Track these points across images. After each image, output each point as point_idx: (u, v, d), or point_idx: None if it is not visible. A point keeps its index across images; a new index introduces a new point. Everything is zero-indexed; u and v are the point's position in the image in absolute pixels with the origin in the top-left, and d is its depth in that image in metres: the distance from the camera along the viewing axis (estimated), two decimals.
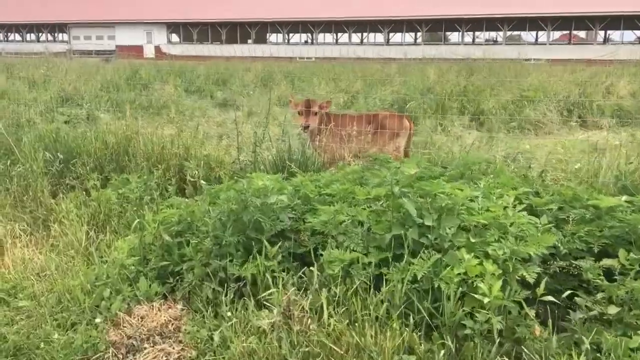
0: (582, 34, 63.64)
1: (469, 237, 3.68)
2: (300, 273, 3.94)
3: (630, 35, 59.85)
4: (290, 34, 64.65)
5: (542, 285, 3.43)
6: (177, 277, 4.23)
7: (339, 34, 64.44)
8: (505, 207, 4.00)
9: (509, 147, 8.29)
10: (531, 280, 3.46)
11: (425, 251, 3.61)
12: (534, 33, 61.17)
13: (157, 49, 61.41)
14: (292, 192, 4.82)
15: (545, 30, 55.49)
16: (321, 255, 4.07)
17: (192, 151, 6.50)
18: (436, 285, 3.41)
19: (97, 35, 64.33)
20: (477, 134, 10.68)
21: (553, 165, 6.55)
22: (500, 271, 3.42)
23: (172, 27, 62.51)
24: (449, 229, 3.66)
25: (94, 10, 64.14)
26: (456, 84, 15.51)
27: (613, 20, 52.23)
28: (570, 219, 4.25)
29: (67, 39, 65.61)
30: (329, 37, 65.95)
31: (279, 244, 4.19)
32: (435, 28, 59.19)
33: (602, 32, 56.04)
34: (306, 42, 65.08)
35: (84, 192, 5.97)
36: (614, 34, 59.75)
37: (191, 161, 6.32)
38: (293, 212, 4.71)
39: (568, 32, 59.68)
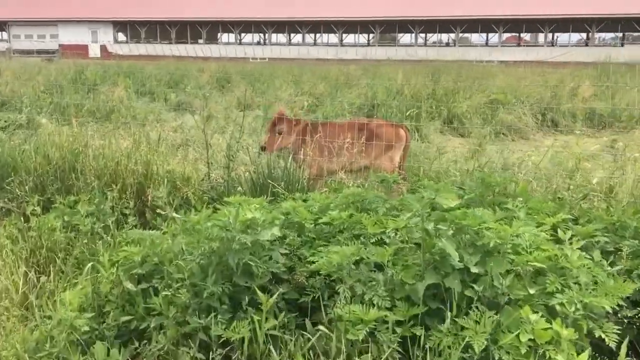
0: (527, 36, 64.57)
1: (525, 286, 2.89)
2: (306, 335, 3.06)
3: (575, 36, 61.12)
4: (242, 34, 63.41)
5: (624, 351, 2.67)
6: (144, 339, 3.29)
7: (292, 35, 63.59)
8: (557, 243, 3.24)
9: (500, 155, 7.60)
10: (613, 345, 2.69)
11: (474, 307, 2.79)
12: (484, 35, 61.72)
13: (103, 48, 59.12)
14: (282, 221, 3.95)
15: (497, 32, 56.06)
16: (327, 304, 3.23)
17: (153, 167, 5.52)
18: (496, 358, 2.60)
19: (39, 34, 61.44)
20: (458, 140, 10.00)
21: (563, 178, 5.88)
22: (577, 335, 2.63)
23: (119, 25, 60.31)
24: (502, 276, 2.86)
25: (35, 8, 61.23)
26: (424, 86, 14.88)
27: (562, 23, 53.16)
28: (625, 254, 3.52)
29: (6, 38, 62.43)
30: (281, 38, 65.03)
31: (274, 292, 3.31)
32: (388, 30, 59.06)
33: (547, 35, 56.94)
34: (258, 42, 63.94)
35: (22, 218, 4.92)
36: (562, 36, 60.99)
37: (152, 179, 5.35)
38: (286, 246, 3.84)
39: (515, 34, 60.55)
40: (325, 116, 13.36)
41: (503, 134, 12.26)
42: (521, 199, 3.97)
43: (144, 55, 53.50)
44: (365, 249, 3.21)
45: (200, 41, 61.10)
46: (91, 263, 3.58)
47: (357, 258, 3.25)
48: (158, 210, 5.39)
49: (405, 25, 56.39)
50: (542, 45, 56.32)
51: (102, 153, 5.64)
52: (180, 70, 23.78)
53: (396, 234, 3.49)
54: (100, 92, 14.50)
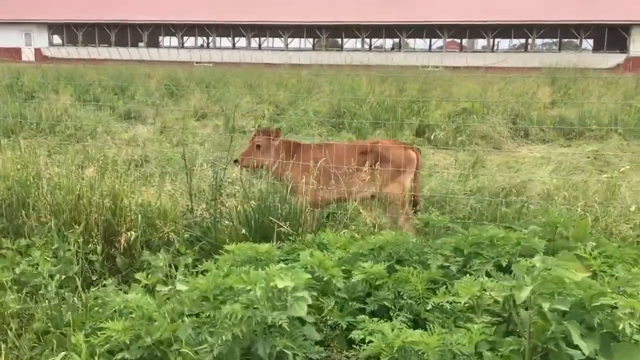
0: (464, 42, 65.40)
1: None
2: None
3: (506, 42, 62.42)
4: (185, 37, 61.68)
5: None
6: None
7: (237, 38, 62.31)
8: None
9: (497, 171, 6.98)
10: None
11: None
12: (427, 40, 62.18)
13: (38, 51, 56.23)
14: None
15: (441, 37, 56.60)
16: None
17: (122, 199, 4.58)
18: None
19: None
20: (439, 154, 9.38)
21: (591, 204, 5.30)
22: None
23: (54, 27, 57.52)
24: None
25: None
26: (389, 95, 14.26)
27: (503, 29, 54.11)
28: None
29: None
30: (225, 42, 63.60)
31: None
32: (335, 34, 58.70)
33: (490, 40, 57.91)
34: (202, 46, 62.36)
35: None
36: (501, 43, 62.13)
37: (123, 216, 4.42)
38: (314, 311, 3.05)
39: (454, 40, 61.26)
40: (290, 127, 12.54)
41: (476, 144, 11.78)
42: (593, 244, 3.29)
43: (82, 59, 51.13)
44: (449, 334, 2.41)
45: (141, 44, 58.98)
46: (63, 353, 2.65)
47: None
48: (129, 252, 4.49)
49: (352, 30, 56.13)
50: (485, 51, 57.18)
51: (59, 184, 4.65)
52: (125, 75, 22.41)
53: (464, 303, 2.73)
54: (41, 101, 13.19)
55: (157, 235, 4.39)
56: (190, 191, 4.62)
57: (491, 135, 11.98)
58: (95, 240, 4.24)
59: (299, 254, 3.76)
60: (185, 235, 4.52)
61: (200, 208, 4.71)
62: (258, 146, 5.36)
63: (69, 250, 4.05)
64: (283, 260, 3.59)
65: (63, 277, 3.87)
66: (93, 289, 3.56)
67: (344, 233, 4.03)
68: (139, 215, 4.42)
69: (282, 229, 4.08)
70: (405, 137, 10.75)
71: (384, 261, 3.33)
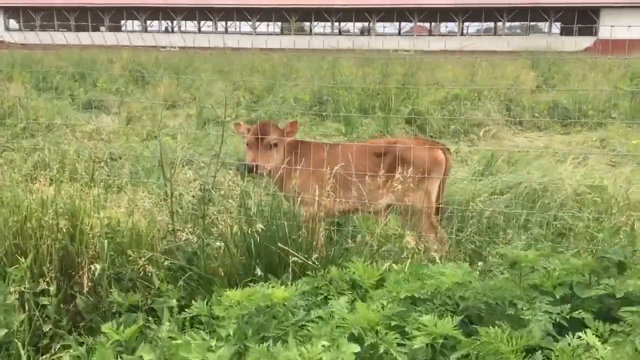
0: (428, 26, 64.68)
1: None
2: None
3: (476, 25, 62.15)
4: (149, 21, 59.67)
5: None
6: None
7: (203, 22, 60.51)
8: None
9: (526, 169, 6.13)
10: None
11: None
12: (396, 24, 61.40)
13: None
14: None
15: (412, 21, 55.89)
16: None
17: (84, 218, 3.57)
18: None
19: None
20: None
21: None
22: None
23: (11, 11, 54.90)
24: None
25: None
26: (374, 79, 13.34)
27: (474, 12, 53.65)
28: None
29: None
30: (191, 25, 61.72)
31: None
32: (304, 18, 57.43)
33: (461, 24, 57.46)
34: (166, 29, 60.43)
35: None
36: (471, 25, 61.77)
37: (85, 242, 3.43)
38: None
39: (420, 25, 60.55)
40: (270, 115, 11.53)
41: (472, 132, 10.97)
42: None
43: (40, 44, 48.80)
44: None
45: (103, 28, 56.78)
46: None
47: None
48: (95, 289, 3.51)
49: (321, 14, 54.94)
50: (455, 35, 56.71)
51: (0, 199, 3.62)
52: (86, 61, 20.99)
53: None
54: None
55: (129, 267, 3.40)
56: (172, 207, 3.63)
57: (486, 123, 11.17)
58: (49, 276, 3.23)
59: (325, 298, 2.85)
60: (166, 262, 3.54)
61: (184, 227, 3.73)
62: (272, 145, 4.35)
63: (11, 293, 3.05)
64: (306, 310, 2.66)
65: (2, 333, 2.88)
66: None
67: (375, 262, 3.10)
68: (106, 241, 3.42)
69: (295, 258, 3.13)
70: (401, 127, 9.85)
71: (450, 312, 2.43)
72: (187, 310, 2.84)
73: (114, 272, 3.45)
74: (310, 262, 3.11)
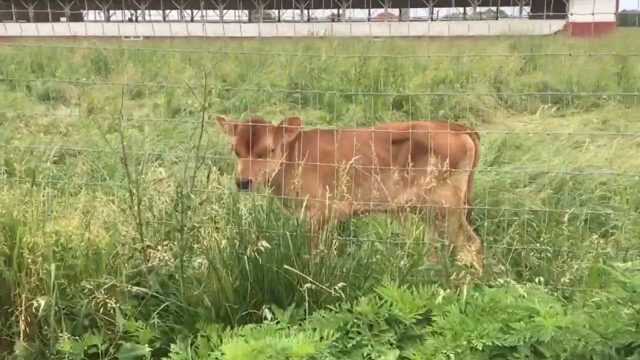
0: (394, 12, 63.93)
1: None
2: None
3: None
4: (111, 11, 57.73)
5: None
6: None
7: (167, 11, 58.77)
8: None
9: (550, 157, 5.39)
10: None
11: None
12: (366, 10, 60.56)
13: None
14: None
15: (382, 7, 55.15)
16: None
17: (25, 235, 2.73)
18: None
19: None
20: None
21: None
22: None
23: None
24: None
25: None
26: (353, 64, 12.52)
27: None
28: None
29: None
30: (155, 14, 59.89)
31: None
32: (272, 5, 56.18)
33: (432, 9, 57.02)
34: (130, 19, 58.60)
35: None
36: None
37: (25, 267, 2.59)
38: None
39: (386, 12, 59.68)
40: (245, 103, 10.66)
41: (464, 117, 10.27)
42: None
43: None
44: None
45: (63, 19, 54.66)
46: None
47: None
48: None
49: (289, 1, 53.74)
50: (425, 20, 56.21)
51: None
52: (46, 51, 19.69)
53: None
54: None
55: (85, 299, 2.57)
56: (139, 217, 2.79)
57: (477, 106, 10.48)
58: None
59: (358, 344, 2.06)
60: (134, 289, 2.72)
61: (156, 242, 2.90)
62: (268, 152, 3.43)
63: None
64: None
65: None
66: None
67: (415, 287, 2.32)
68: (53, 265, 2.58)
69: (309, 283, 2.34)
70: (391, 113, 9.08)
71: None
72: None
73: (65, 307, 2.62)
74: (330, 290, 2.31)
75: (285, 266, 2.41)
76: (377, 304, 2.23)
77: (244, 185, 3.17)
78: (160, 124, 7.98)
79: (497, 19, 56.47)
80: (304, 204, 2.91)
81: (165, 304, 2.68)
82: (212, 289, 2.70)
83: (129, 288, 2.68)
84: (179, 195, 2.76)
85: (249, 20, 56.96)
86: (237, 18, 58.36)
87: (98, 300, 2.55)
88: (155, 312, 2.62)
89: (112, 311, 2.48)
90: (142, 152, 4.67)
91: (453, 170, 3.33)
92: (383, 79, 10.88)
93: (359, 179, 3.27)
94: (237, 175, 3.22)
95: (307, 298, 2.25)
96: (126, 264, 2.79)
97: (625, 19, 43.01)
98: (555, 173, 4.56)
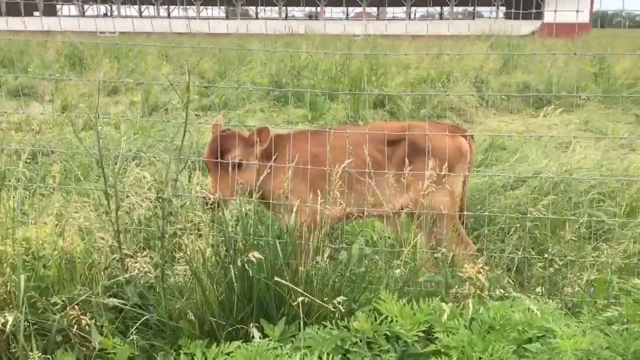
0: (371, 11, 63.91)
1: None
2: None
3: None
4: (86, 6, 56.79)
5: None
6: None
7: (143, 7, 57.99)
8: None
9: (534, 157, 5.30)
10: None
11: None
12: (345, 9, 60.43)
13: None
14: None
15: (360, 5, 55.13)
16: None
17: None
18: None
19: None
20: None
21: None
22: None
23: None
24: None
25: None
26: (334, 62, 12.38)
27: None
28: None
29: None
30: (131, 10, 59.04)
31: None
32: (250, 2, 55.79)
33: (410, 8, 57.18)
34: (105, 14, 57.67)
35: None
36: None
37: None
38: None
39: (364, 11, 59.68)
40: (225, 101, 10.46)
41: (445, 117, 10.19)
42: None
43: None
44: None
45: (37, 14, 53.59)
46: None
47: None
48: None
49: None
50: (404, 19, 56.36)
51: None
52: (19, 46, 19.18)
53: None
54: None
55: (58, 314, 2.38)
56: (117, 224, 2.60)
57: (459, 106, 10.41)
58: None
59: None
60: (111, 301, 2.53)
61: (135, 250, 2.71)
62: (237, 165, 3.24)
63: None
64: None
65: None
66: None
67: (414, 301, 2.18)
68: (23, 276, 2.38)
69: (305, 297, 2.17)
70: (374, 112, 8.95)
71: None
72: None
73: (36, 323, 2.42)
74: (325, 305, 2.15)
75: (277, 278, 2.24)
76: (375, 319, 2.08)
77: (207, 204, 2.97)
78: (137, 122, 7.73)
79: (473, 19, 56.86)
80: (294, 209, 2.74)
81: (145, 317, 2.49)
82: (195, 302, 2.53)
83: (105, 300, 2.48)
84: (160, 200, 2.57)
85: (227, 17, 56.45)
86: (214, 15, 57.80)
87: (72, 315, 2.35)
88: (134, 327, 2.43)
89: (87, 327, 2.29)
90: (119, 151, 4.45)
91: (450, 174, 3.19)
92: (365, 78, 10.74)
93: (351, 183, 3.12)
94: (203, 193, 3.00)
95: (301, 313, 2.08)
96: (102, 274, 2.60)
97: (603, 21, 43.56)
98: (546, 175, 4.46)
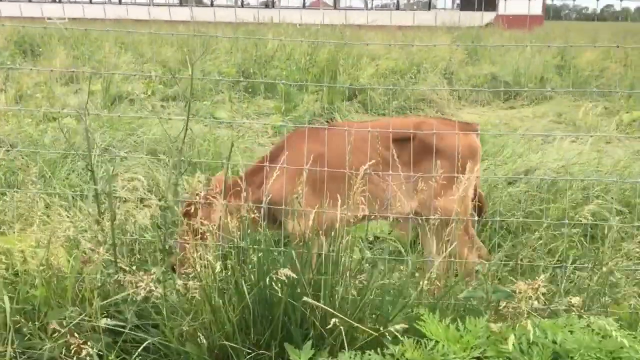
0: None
1: None
2: None
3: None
4: None
5: None
6: None
7: None
8: None
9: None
10: None
11: None
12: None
13: None
14: None
15: None
16: None
17: None
18: None
19: None
20: None
21: None
22: None
23: None
24: None
25: None
26: (303, 52, 12.09)
27: None
28: None
29: None
30: None
31: None
32: None
33: None
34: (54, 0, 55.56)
35: None
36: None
37: None
38: None
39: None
40: (191, 92, 10.02)
41: (417, 109, 10.06)
42: None
43: None
44: None
45: None
46: None
47: None
48: None
49: None
50: (362, 9, 56.24)
51: None
52: None
53: None
54: None
55: (49, 342, 2.07)
56: (113, 237, 2.29)
57: (431, 97, 10.29)
58: None
59: None
60: (107, 320, 2.23)
61: (131, 264, 2.41)
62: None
63: None
64: None
65: None
66: None
67: (458, 320, 1.96)
68: (6, 298, 2.07)
69: (334, 319, 1.92)
70: (351, 105, 8.73)
71: None
72: None
73: (22, 352, 2.10)
74: (362, 327, 1.91)
75: (306, 299, 1.99)
76: (421, 344, 1.85)
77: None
78: (103, 114, 7.29)
79: (429, 9, 57.20)
80: (311, 216, 2.49)
81: (148, 341, 2.20)
82: (203, 322, 2.25)
83: (102, 324, 2.18)
84: (162, 208, 2.28)
85: (180, 4, 55.14)
86: (167, 2, 56.39)
87: (63, 342, 2.05)
88: (136, 354, 2.14)
89: (88, 357, 1.99)
90: (95, 147, 4.10)
91: (462, 175, 2.99)
92: (335, 68, 10.50)
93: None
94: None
95: (343, 337, 1.83)
96: (95, 293, 2.29)
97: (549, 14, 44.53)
98: (543, 171, 4.32)
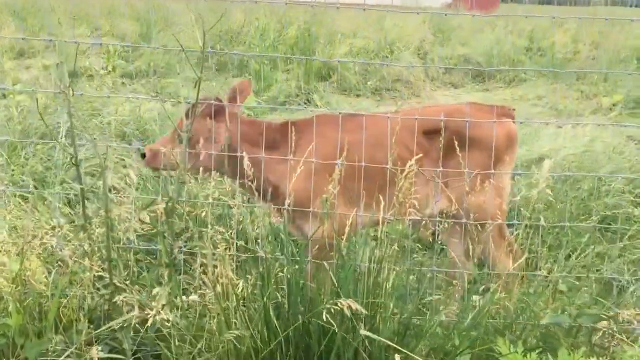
0: None
1: None
2: None
3: None
4: None
5: None
6: None
7: None
8: None
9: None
10: None
11: None
12: None
13: None
14: None
15: None
16: None
17: None
18: None
19: None
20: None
21: None
22: None
23: None
24: None
25: None
26: (271, 28, 11.57)
27: None
28: None
29: None
30: None
31: None
32: None
33: None
34: None
35: None
36: None
37: None
38: None
39: None
40: (155, 67, 9.43)
41: (393, 90, 9.72)
42: None
43: None
44: None
45: None
46: None
47: None
48: None
49: None
50: None
51: None
52: None
53: None
54: None
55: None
56: (109, 248, 1.83)
57: (406, 78, 9.93)
58: None
59: None
60: (99, 349, 1.78)
61: (124, 281, 1.95)
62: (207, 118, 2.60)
63: None
64: None
65: None
66: None
67: (539, 351, 1.60)
68: None
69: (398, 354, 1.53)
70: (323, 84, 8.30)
71: None
72: None
73: None
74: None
75: (366, 332, 1.58)
76: None
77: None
78: (59, 92, 6.63)
79: None
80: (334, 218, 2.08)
81: None
82: (220, 354, 1.83)
83: (96, 356, 1.73)
84: (169, 214, 1.83)
85: None
86: None
87: None
88: None
89: None
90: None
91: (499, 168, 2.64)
92: (309, 47, 10.05)
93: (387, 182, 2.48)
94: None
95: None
96: (84, 319, 1.83)
97: None
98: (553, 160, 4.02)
